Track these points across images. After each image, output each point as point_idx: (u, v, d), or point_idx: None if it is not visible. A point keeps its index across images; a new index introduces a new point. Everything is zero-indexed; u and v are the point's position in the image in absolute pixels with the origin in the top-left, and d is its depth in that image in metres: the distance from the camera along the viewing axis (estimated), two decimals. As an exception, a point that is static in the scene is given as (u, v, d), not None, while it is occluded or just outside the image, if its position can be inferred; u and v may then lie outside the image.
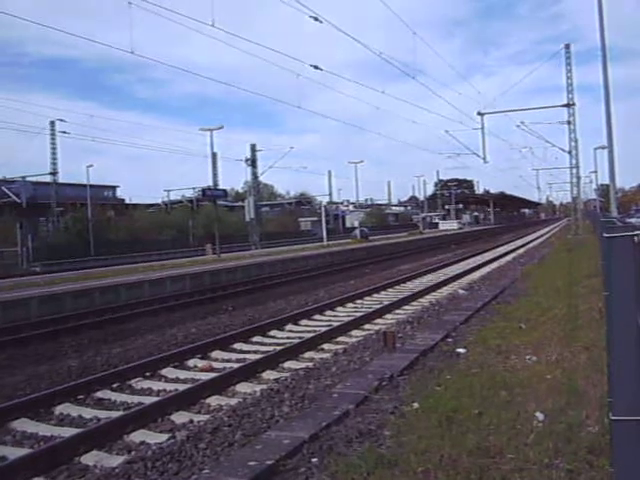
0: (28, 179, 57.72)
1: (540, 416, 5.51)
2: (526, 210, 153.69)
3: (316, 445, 5.34)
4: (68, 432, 7.00)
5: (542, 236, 58.37)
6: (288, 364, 9.98)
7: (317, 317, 14.76)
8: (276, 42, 76.72)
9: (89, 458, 6.17)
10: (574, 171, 48.33)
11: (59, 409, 7.99)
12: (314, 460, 5.02)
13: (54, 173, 61.62)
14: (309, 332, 12.62)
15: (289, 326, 13.54)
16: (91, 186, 58.04)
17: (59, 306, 16.61)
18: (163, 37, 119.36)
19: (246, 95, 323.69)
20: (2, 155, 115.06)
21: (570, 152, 45.33)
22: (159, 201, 78.89)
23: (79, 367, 10.50)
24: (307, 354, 10.69)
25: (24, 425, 7.38)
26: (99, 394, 8.67)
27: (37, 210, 57.11)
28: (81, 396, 8.52)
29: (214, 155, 50.68)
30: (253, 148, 55.27)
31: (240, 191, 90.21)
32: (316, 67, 27.73)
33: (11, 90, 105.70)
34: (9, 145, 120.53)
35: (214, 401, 8.09)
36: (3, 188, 56.11)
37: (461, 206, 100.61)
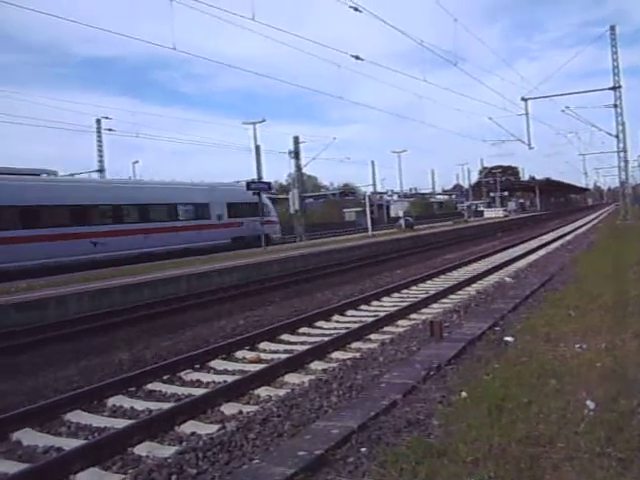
0: (76, 176, 58.83)
1: (591, 404, 5.45)
2: (573, 196, 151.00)
3: (365, 435, 5.36)
4: (121, 423, 7.15)
5: (590, 222, 57.39)
6: (335, 354, 10.01)
7: (363, 307, 14.78)
8: (317, 33, 76.44)
9: (142, 449, 6.29)
10: (622, 155, 47.28)
11: (111, 401, 8.16)
12: (363, 450, 5.04)
13: (101, 170, 62.90)
14: (356, 322, 12.64)
15: (335, 317, 13.57)
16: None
17: (109, 300, 16.87)
18: (204, 32, 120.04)
19: (288, 88, 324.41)
20: (53, 153, 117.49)
21: (617, 136, 44.42)
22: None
23: (130, 360, 10.70)
24: (354, 344, 10.70)
25: (78, 417, 7.57)
26: (150, 386, 8.83)
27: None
28: (132, 388, 8.68)
29: (257, 148, 50.87)
30: (296, 140, 55.15)
31: (284, 183, 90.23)
32: (357, 57, 27.62)
33: (58, 90, 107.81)
34: (59, 143, 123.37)
35: (263, 392, 8.16)
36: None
37: (506, 193, 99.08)
